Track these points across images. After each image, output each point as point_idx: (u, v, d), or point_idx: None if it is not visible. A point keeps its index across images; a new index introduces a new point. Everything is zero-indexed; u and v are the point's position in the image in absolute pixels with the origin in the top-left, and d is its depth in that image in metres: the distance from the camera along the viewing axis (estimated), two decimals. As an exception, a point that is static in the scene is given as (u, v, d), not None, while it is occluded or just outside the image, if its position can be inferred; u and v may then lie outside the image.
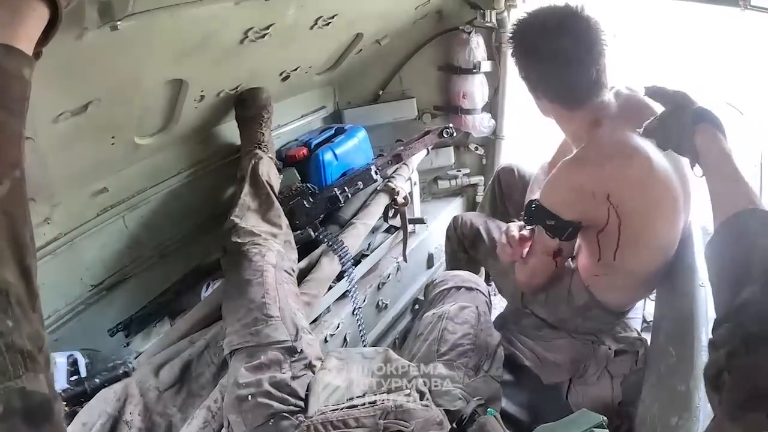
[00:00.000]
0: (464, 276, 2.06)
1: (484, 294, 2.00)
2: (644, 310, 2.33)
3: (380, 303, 2.67)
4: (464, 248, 2.43)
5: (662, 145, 1.50)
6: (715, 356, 0.99)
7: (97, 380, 1.69)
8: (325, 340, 2.23)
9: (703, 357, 1.38)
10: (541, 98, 1.82)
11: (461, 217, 2.48)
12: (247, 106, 2.31)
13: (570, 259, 2.03)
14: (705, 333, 1.48)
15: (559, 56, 1.67)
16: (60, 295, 2.01)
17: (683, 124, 1.40)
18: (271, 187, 2.14)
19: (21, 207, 0.78)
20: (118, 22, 1.25)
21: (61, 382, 1.68)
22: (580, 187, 1.69)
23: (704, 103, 1.42)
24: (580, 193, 1.70)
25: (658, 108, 1.57)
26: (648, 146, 1.67)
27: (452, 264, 2.54)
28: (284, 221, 2.08)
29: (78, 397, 1.62)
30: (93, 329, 2.09)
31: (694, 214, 1.93)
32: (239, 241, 1.89)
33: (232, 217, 1.99)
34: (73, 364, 1.74)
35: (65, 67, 1.32)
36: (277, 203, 2.11)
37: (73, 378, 1.71)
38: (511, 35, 1.79)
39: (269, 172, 2.19)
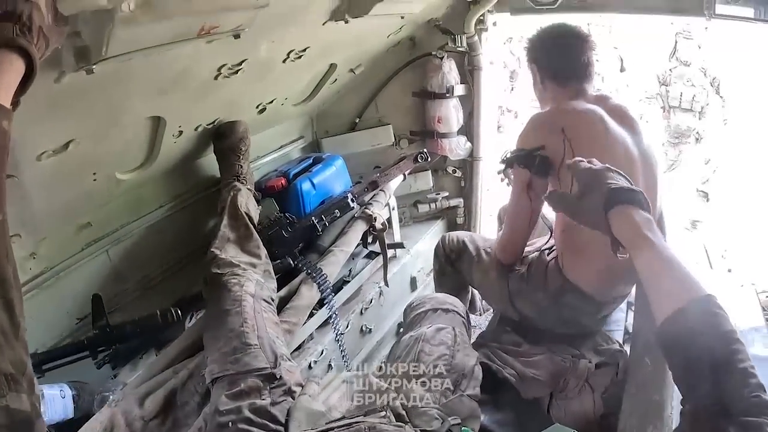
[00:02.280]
0: (441, 298, 2.10)
1: (461, 315, 2.03)
2: (626, 321, 2.38)
3: (364, 328, 2.70)
4: (451, 262, 2.51)
5: (581, 222, 1.39)
6: None
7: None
8: (310, 367, 2.25)
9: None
10: (543, 80, 2.20)
11: (448, 235, 2.60)
12: (225, 139, 2.35)
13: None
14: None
15: (561, 47, 2.13)
16: (47, 329, 2.02)
17: (596, 209, 1.28)
18: (250, 218, 2.19)
19: (3, 246, 0.83)
20: (94, 66, 1.29)
21: (50, 415, 1.71)
22: (540, 124, 2.07)
23: (617, 180, 1.30)
24: (540, 127, 2.05)
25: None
26: (606, 117, 2.01)
27: (440, 279, 2.63)
28: (263, 251, 2.12)
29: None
30: (80, 361, 2.09)
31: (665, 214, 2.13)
32: (219, 272, 1.93)
33: (212, 249, 2.03)
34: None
35: (45, 107, 1.36)
36: (255, 234, 2.15)
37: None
38: (533, 37, 2.23)
39: (248, 203, 2.24)
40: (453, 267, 2.52)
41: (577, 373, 1.99)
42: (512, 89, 5.55)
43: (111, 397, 1.84)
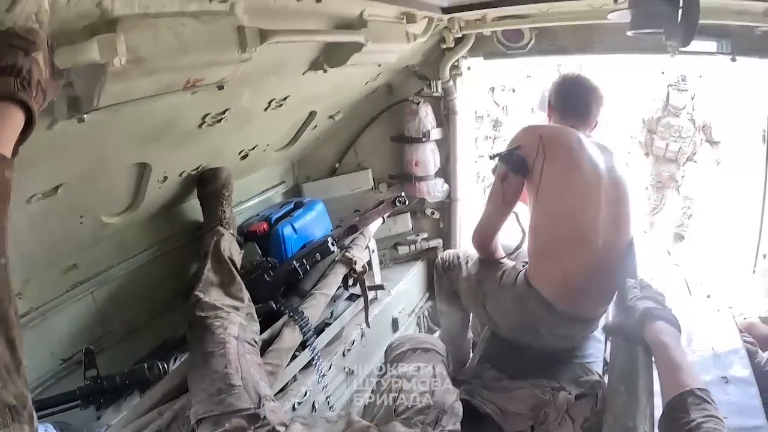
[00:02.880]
0: (421, 338, 2.16)
1: (440, 353, 2.08)
2: (605, 352, 2.42)
3: (347, 369, 2.71)
4: (445, 270, 2.72)
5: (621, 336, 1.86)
6: None
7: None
8: (293, 408, 2.26)
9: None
10: (552, 114, 2.60)
11: (446, 251, 2.89)
12: (209, 184, 2.40)
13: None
14: (646, 370, 1.61)
15: (572, 91, 2.56)
16: (31, 369, 1.95)
17: (633, 326, 1.75)
18: (233, 262, 2.23)
19: (6, 288, 0.87)
20: (85, 115, 1.35)
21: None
22: (524, 130, 2.48)
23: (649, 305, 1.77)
24: (523, 132, 2.46)
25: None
26: (584, 137, 2.38)
27: (438, 284, 2.81)
28: (246, 295, 2.15)
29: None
30: (64, 402, 2.08)
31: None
32: (203, 315, 1.96)
33: (196, 292, 2.06)
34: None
35: (37, 153, 1.38)
36: (238, 278, 2.19)
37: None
38: (555, 81, 2.65)
39: (231, 247, 2.28)
40: (447, 275, 2.69)
41: (557, 405, 2.03)
42: (495, 139, 5.61)
43: (95, 438, 1.83)
